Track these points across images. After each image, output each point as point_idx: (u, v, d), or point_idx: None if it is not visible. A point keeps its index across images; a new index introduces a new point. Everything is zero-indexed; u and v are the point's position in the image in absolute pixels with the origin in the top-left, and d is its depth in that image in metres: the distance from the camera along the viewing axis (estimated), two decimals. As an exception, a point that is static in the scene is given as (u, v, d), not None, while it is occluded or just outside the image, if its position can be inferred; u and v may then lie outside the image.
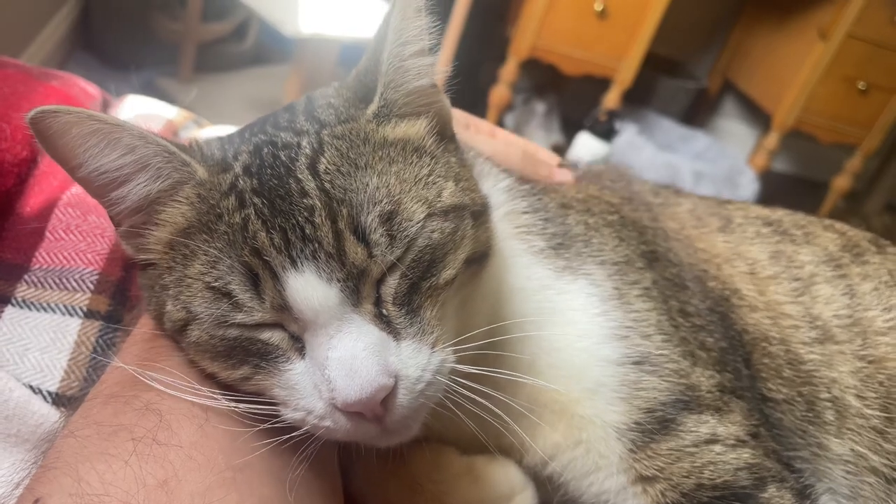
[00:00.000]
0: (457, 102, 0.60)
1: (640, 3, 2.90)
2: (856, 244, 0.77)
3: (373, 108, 0.53)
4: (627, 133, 3.18)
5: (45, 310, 0.63)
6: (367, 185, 0.49)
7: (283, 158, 0.50)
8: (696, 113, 4.09)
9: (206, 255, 0.48)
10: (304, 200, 0.47)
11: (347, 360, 0.46)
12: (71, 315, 0.63)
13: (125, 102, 0.92)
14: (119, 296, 0.66)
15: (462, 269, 0.52)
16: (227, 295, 0.47)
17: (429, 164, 0.53)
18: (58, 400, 0.59)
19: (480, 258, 0.56)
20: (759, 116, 3.91)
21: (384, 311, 0.49)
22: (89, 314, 0.63)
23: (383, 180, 0.50)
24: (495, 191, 0.66)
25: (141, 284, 0.55)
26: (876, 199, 4.16)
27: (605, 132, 3.03)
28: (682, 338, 0.62)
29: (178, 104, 1.00)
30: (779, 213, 0.81)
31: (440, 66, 0.58)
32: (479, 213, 0.56)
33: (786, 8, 3.45)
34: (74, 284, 0.64)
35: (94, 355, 0.62)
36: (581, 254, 0.64)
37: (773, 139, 3.38)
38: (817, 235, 0.77)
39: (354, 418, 0.47)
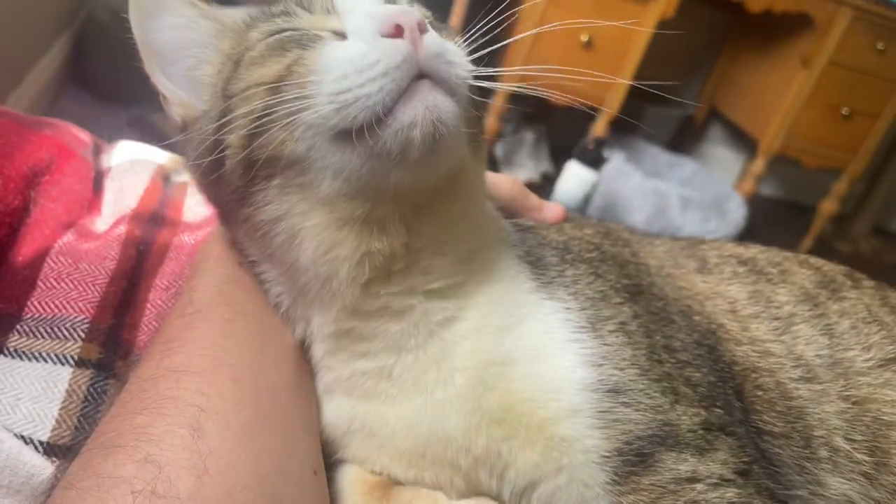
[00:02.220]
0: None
1: (626, 34, 2.95)
2: (832, 279, 0.78)
3: None
4: (615, 161, 3.21)
5: (36, 359, 0.63)
6: None
7: None
8: (683, 140, 4.14)
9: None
10: None
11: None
12: (62, 364, 0.63)
13: (117, 147, 0.93)
14: (110, 343, 0.66)
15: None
16: (284, 13, 0.59)
17: None
18: (49, 449, 0.59)
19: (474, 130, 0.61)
20: (745, 142, 3.96)
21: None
22: (80, 363, 0.64)
23: None
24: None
25: (191, 144, 0.63)
26: (863, 221, 4.20)
27: (594, 160, 3.06)
28: (666, 373, 0.62)
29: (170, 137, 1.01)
30: (752, 251, 0.81)
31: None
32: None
33: (768, 37, 3.52)
34: (66, 333, 0.65)
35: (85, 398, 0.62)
36: (553, 281, 0.65)
37: (759, 165, 3.42)
38: (793, 273, 0.78)
39: (396, 48, 0.51)
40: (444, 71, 0.53)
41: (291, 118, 0.52)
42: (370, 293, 0.61)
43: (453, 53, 0.54)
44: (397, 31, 0.51)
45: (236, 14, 0.66)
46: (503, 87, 0.62)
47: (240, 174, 0.57)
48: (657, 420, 0.59)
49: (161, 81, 0.65)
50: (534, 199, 0.79)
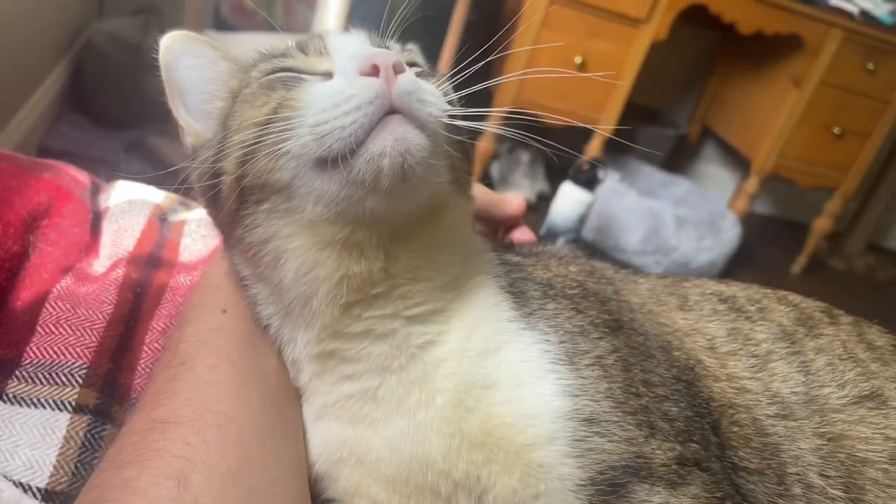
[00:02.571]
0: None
1: (619, 55, 2.99)
2: (809, 316, 0.79)
3: None
4: (610, 181, 3.24)
5: (34, 405, 0.64)
6: None
7: None
8: (678, 159, 4.17)
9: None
10: None
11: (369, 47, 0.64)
12: (60, 410, 0.65)
13: (115, 188, 0.95)
14: (108, 389, 0.68)
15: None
16: (283, 55, 0.65)
17: None
18: (46, 496, 0.60)
19: (459, 177, 0.66)
20: (738, 161, 3.99)
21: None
22: (78, 409, 0.65)
23: None
24: None
25: (197, 174, 0.68)
26: (858, 239, 4.22)
27: (588, 181, 3.08)
28: (643, 406, 0.63)
29: (169, 160, 1.03)
30: (733, 289, 0.83)
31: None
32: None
33: (760, 58, 3.56)
34: (64, 379, 0.66)
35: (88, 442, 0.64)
36: (534, 313, 0.67)
37: (752, 183, 3.45)
38: (771, 310, 0.79)
39: (370, 86, 0.55)
40: (416, 108, 0.57)
41: (277, 147, 0.57)
42: (352, 315, 0.63)
43: (427, 93, 0.58)
44: (374, 71, 0.56)
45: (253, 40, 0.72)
46: (485, 127, 0.66)
47: (232, 198, 0.62)
48: (630, 451, 0.60)
49: (180, 113, 0.71)
50: (496, 196, 0.86)
